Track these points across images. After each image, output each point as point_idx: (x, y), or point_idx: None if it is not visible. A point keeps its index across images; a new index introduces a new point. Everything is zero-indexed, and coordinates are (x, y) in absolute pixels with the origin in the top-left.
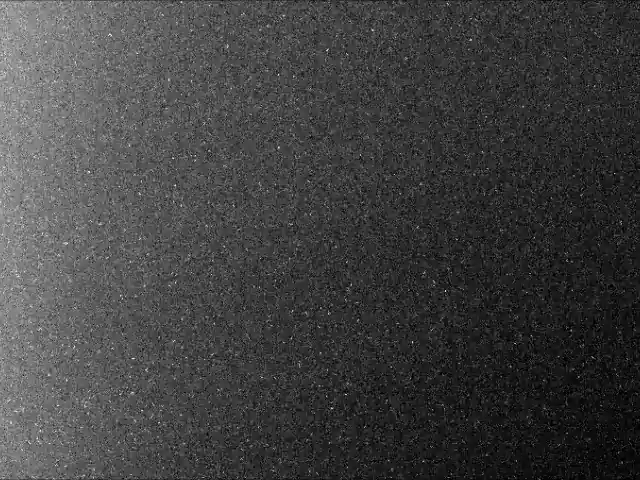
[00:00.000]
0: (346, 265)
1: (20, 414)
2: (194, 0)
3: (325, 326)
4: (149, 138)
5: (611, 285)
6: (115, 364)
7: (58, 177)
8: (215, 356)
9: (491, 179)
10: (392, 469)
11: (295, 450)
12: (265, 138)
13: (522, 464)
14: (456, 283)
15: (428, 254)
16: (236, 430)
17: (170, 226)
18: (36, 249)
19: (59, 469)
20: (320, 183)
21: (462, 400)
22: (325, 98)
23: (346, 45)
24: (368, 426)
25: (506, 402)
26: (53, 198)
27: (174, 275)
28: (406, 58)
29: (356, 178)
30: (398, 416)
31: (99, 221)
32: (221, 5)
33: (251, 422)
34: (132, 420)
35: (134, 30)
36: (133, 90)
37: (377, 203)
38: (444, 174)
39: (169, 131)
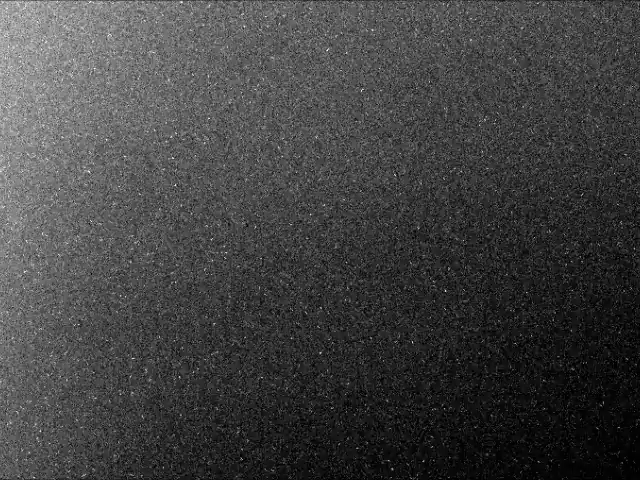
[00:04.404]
0: (346, 265)
1: (20, 414)
2: (194, 0)
3: (325, 326)
4: (149, 138)
5: (613, 286)
6: (115, 364)
7: (58, 177)
8: (215, 356)
9: (491, 178)
10: (392, 469)
11: (295, 450)
12: (265, 139)
13: (522, 464)
14: (456, 283)
15: (428, 254)
16: (236, 430)
17: (170, 226)
18: (36, 249)
19: (59, 469)
20: (320, 183)
21: (462, 400)
22: (325, 98)
23: (346, 45)
24: (368, 426)
25: (506, 402)
26: (53, 198)
27: (174, 275)
28: (406, 58)
29: (356, 178)
30: (398, 416)
31: (99, 221)
32: (221, 5)
33: (251, 422)
34: (132, 420)
35: (134, 30)
36: (133, 90)
37: (377, 203)
38: (444, 174)
39: (169, 131)
